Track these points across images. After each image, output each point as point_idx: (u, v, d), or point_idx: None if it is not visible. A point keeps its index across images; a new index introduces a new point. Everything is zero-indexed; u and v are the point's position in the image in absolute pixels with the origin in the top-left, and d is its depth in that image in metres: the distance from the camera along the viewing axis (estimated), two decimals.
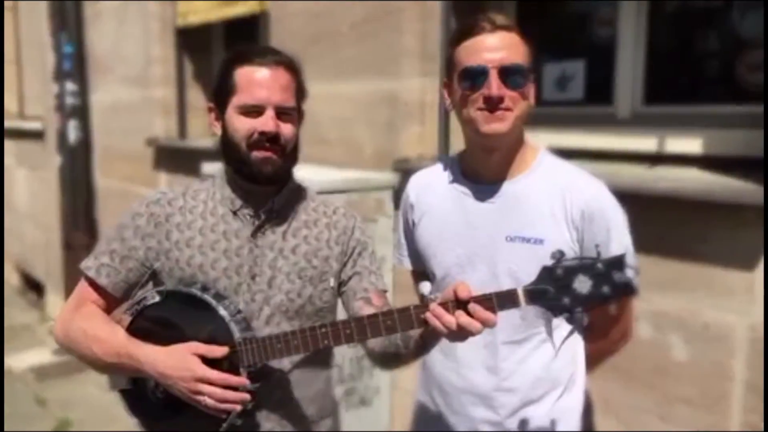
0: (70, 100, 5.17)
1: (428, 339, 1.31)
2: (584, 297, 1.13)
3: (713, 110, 2.14)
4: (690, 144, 2.15)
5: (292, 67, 1.43)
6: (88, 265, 1.50)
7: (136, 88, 4.78)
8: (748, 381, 1.85)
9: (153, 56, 4.54)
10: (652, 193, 1.95)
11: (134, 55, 4.74)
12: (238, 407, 1.32)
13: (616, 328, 1.61)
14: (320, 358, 1.54)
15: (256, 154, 1.38)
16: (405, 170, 2.71)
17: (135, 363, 1.37)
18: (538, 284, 1.15)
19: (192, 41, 4.45)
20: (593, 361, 1.63)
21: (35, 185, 6.59)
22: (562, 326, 1.50)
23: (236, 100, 1.39)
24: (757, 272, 1.82)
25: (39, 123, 6.16)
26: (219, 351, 1.33)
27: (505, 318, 1.45)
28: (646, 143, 2.25)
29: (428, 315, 1.19)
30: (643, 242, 1.95)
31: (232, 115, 1.40)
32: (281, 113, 1.39)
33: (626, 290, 1.12)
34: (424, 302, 1.22)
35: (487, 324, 1.16)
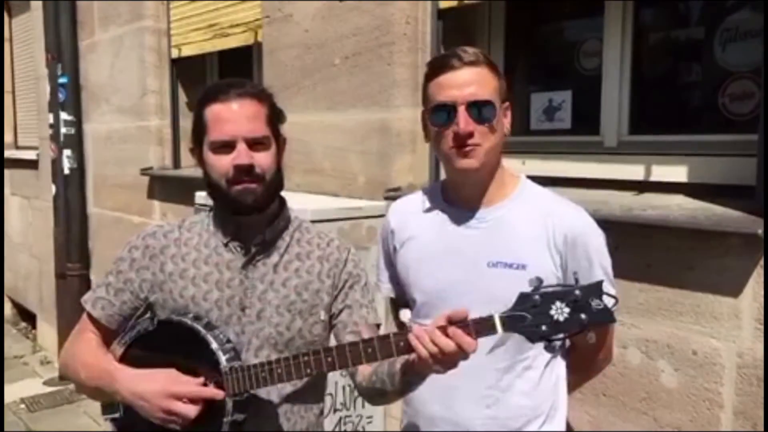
0: (64, 130, 5.19)
1: (411, 375, 1.31)
2: (562, 324, 1.12)
3: (697, 139, 2.18)
4: (675, 172, 2.19)
5: (258, 96, 1.44)
6: (86, 298, 1.55)
7: (130, 118, 4.82)
8: (737, 407, 1.87)
9: (148, 87, 4.58)
10: (639, 221, 1.98)
11: (129, 86, 4.79)
12: None
13: (601, 349, 1.62)
14: (311, 390, 1.54)
15: (236, 188, 1.40)
16: (396, 199, 2.74)
17: (112, 382, 1.39)
18: (515, 311, 1.14)
19: (186, 72, 4.51)
20: (575, 382, 1.64)
21: (29, 215, 6.58)
22: (543, 353, 1.51)
23: (208, 139, 1.41)
24: (743, 299, 1.84)
25: (33, 152, 6.18)
26: (195, 381, 1.35)
27: (488, 345, 1.47)
28: (632, 171, 2.29)
29: (410, 336, 1.20)
30: (630, 269, 1.99)
31: (207, 154, 1.43)
32: (254, 143, 1.40)
33: (604, 318, 1.11)
34: (404, 329, 1.23)
35: (463, 347, 1.15)
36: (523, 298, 1.15)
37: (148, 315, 1.51)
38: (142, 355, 1.44)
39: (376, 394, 1.45)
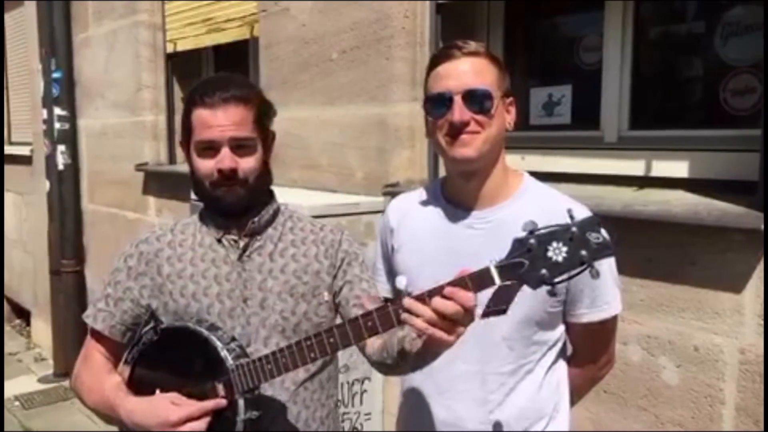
0: (58, 126, 5.16)
1: (422, 353, 1.28)
2: (562, 264, 1.04)
3: (698, 134, 2.17)
4: (676, 167, 2.17)
5: (244, 98, 1.42)
6: (88, 314, 1.55)
7: (125, 114, 4.79)
8: (739, 404, 1.86)
9: (143, 82, 4.55)
10: (640, 216, 1.97)
11: (124, 81, 4.76)
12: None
13: (605, 353, 1.59)
14: (325, 378, 1.55)
15: (220, 189, 1.42)
16: (394, 194, 2.72)
17: (117, 416, 1.41)
18: (511, 258, 1.07)
19: (182, 67, 4.47)
20: (580, 390, 1.62)
21: (23, 211, 6.54)
22: (548, 355, 1.49)
23: (193, 140, 1.43)
24: (746, 294, 1.83)
25: (27, 148, 6.14)
26: (196, 404, 1.33)
27: (494, 348, 1.44)
28: (632, 167, 2.28)
29: (405, 316, 1.13)
30: (631, 265, 1.97)
31: (193, 155, 1.44)
32: (238, 147, 1.40)
33: (604, 252, 1.03)
34: (401, 297, 1.16)
35: (465, 304, 1.09)
36: (518, 243, 1.07)
37: (150, 325, 1.50)
38: (149, 368, 1.45)
39: (387, 368, 1.44)
